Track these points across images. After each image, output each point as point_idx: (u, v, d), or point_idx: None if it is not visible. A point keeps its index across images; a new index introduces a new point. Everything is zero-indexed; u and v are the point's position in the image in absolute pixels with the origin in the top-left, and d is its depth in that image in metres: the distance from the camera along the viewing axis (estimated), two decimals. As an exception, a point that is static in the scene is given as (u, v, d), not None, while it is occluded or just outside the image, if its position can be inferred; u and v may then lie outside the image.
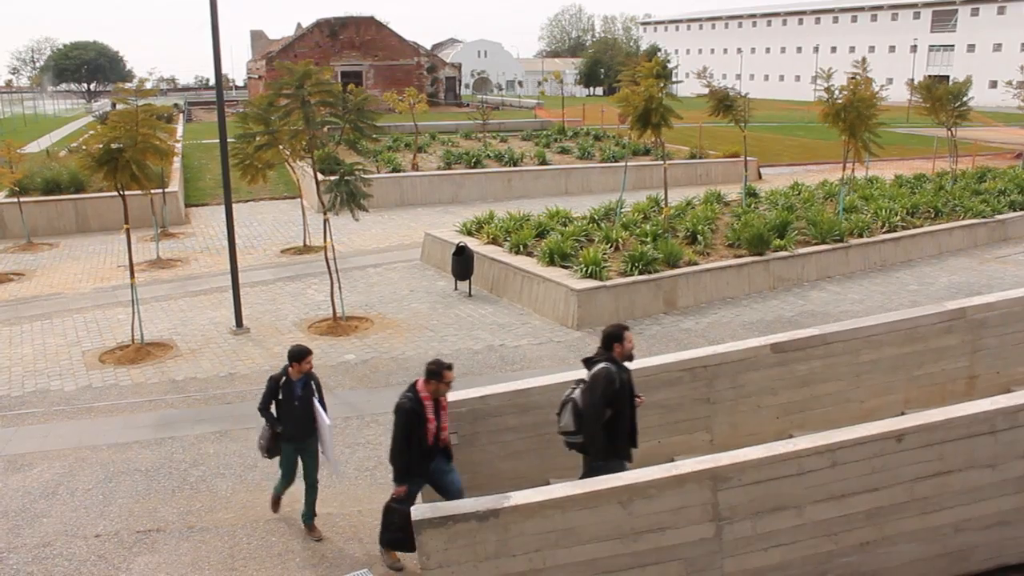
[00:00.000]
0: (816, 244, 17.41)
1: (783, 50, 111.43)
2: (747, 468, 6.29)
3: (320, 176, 17.29)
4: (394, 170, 28.43)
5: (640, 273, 14.98)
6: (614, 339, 7.01)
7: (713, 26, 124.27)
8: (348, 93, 14.93)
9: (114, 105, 16.72)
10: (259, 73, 66.47)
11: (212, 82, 25.37)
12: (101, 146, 13.02)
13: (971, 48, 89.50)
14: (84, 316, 15.52)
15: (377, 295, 16.55)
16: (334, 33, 63.03)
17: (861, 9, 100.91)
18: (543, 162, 30.51)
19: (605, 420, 6.86)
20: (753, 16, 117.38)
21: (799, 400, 8.94)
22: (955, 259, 18.82)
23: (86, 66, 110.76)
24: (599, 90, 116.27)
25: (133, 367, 12.76)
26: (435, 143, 35.76)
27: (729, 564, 6.36)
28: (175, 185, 25.90)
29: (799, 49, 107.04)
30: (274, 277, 18.21)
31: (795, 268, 16.79)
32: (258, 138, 15.12)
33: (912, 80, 32.49)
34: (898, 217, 19.32)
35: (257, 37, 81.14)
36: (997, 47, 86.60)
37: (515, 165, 29.92)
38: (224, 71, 25.77)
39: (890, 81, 62.10)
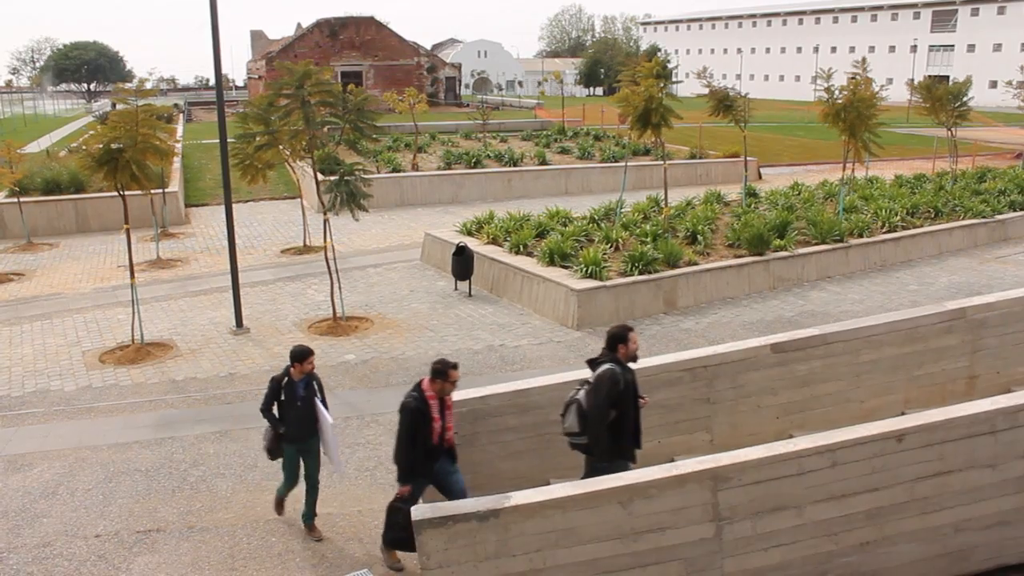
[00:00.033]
0: (816, 244, 17.41)
1: (783, 50, 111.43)
2: (747, 468, 6.29)
3: (320, 176, 17.30)
4: (394, 170, 28.43)
5: (640, 273, 14.98)
6: (618, 340, 7.01)
7: (713, 26, 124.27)
8: (348, 93, 14.94)
9: (114, 105, 16.72)
10: (259, 73, 66.48)
11: (212, 82, 25.39)
12: (101, 146, 13.02)
13: (971, 48, 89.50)
14: (84, 316, 15.52)
15: (377, 295, 16.55)
16: (334, 33, 63.03)
17: (861, 9, 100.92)
18: (543, 162, 30.52)
19: (609, 421, 6.86)
20: (753, 16, 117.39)
21: (799, 400, 8.94)
22: (955, 259, 18.82)
23: (86, 66, 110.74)
24: (599, 90, 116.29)
25: (133, 367, 12.77)
26: (435, 143, 35.77)
27: (729, 564, 6.36)
28: (175, 185, 25.91)
29: (799, 49, 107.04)
30: (274, 277, 18.21)
31: (795, 268, 16.79)
32: (258, 138, 15.12)
33: (912, 80, 32.49)
34: (898, 217, 19.32)
35: (257, 37, 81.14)
36: (997, 47, 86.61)
37: (515, 165, 29.93)
38: (224, 71, 25.79)
39: (890, 81, 62.17)
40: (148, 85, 21.73)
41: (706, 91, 21.79)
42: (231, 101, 62.42)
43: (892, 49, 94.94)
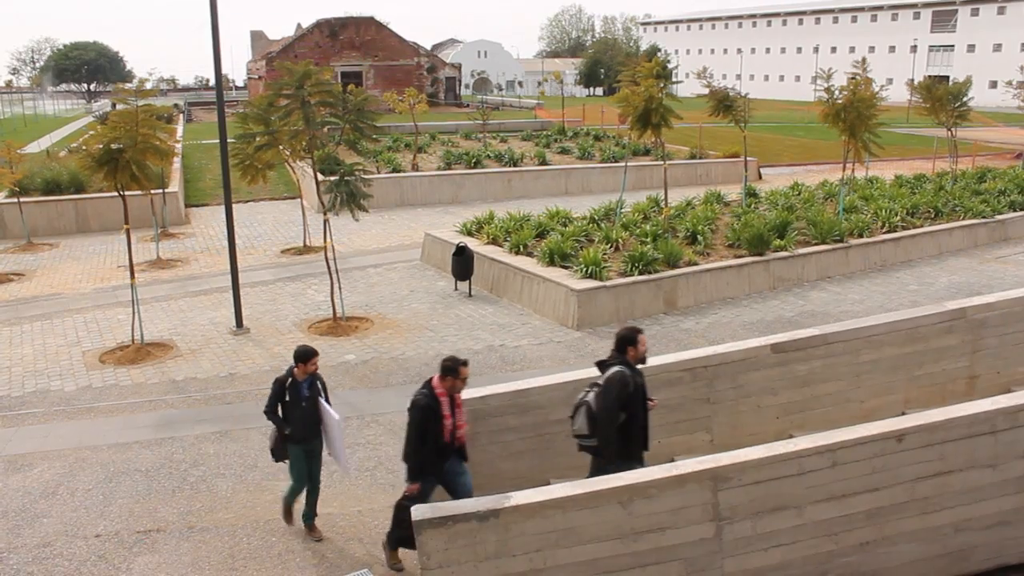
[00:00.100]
0: (816, 244, 17.41)
1: (783, 50, 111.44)
2: (747, 468, 6.29)
3: (320, 176, 17.30)
4: (394, 170, 28.43)
5: (640, 273, 14.98)
6: (628, 342, 7.00)
7: (713, 26, 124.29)
8: (348, 93, 14.94)
9: (114, 105, 16.72)
10: (259, 73, 66.46)
11: (212, 82, 25.38)
12: (101, 146, 13.03)
13: (971, 48, 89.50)
14: (84, 316, 15.52)
15: (377, 295, 16.55)
16: (334, 33, 63.02)
17: (861, 9, 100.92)
18: (543, 162, 30.52)
19: (619, 424, 6.86)
20: (753, 16, 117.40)
21: (799, 400, 8.94)
22: (955, 259, 18.82)
23: (86, 66, 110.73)
24: (599, 90, 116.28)
25: (133, 367, 12.77)
26: (435, 143, 35.77)
27: (729, 564, 6.36)
28: (175, 185, 25.92)
29: (799, 49, 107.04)
30: (274, 277, 18.21)
31: (795, 268, 16.79)
32: (258, 138, 15.12)
33: (912, 80, 32.48)
34: (898, 217, 19.32)
35: (257, 37, 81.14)
36: (997, 47, 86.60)
37: (515, 165, 29.93)
38: (224, 71, 25.78)
39: (890, 81, 62.21)
40: (148, 85, 21.78)
41: (706, 91, 21.79)
42: (231, 101, 62.32)
43: (892, 49, 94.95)
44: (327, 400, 7.95)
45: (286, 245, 21.36)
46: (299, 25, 71.99)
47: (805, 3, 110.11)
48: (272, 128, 14.84)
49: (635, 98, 18.35)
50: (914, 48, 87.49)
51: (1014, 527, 7.01)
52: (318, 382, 7.94)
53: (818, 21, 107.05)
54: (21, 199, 22.34)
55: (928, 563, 6.87)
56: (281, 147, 15.49)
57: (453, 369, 7.07)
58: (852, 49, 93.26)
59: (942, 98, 25.40)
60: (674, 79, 29.69)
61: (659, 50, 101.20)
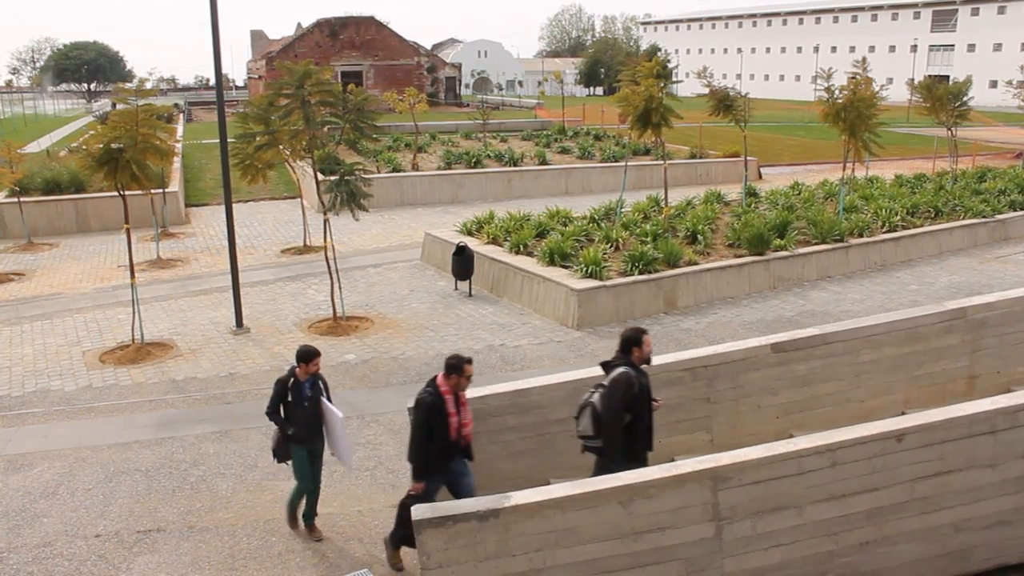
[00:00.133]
0: (816, 244, 17.41)
1: (783, 50, 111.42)
2: (747, 468, 6.29)
3: (320, 176, 17.29)
4: (394, 170, 28.43)
5: (640, 273, 14.98)
6: (632, 343, 7.01)
7: (713, 26, 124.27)
8: (348, 93, 14.94)
9: (114, 105, 16.73)
10: (259, 73, 66.49)
11: (212, 82, 25.38)
12: (101, 146, 13.02)
13: (971, 48, 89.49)
14: (84, 316, 15.52)
15: (377, 295, 16.56)
16: (334, 33, 63.03)
17: (861, 9, 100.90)
18: (543, 162, 30.52)
19: (624, 425, 6.86)
20: (753, 16, 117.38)
21: (799, 400, 8.94)
22: (955, 259, 18.83)
23: (86, 66, 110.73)
24: (599, 90, 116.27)
25: (133, 367, 12.77)
26: (435, 143, 35.77)
27: (729, 564, 6.36)
28: (175, 185, 25.92)
29: (799, 49, 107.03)
30: (274, 277, 18.21)
31: (795, 268, 16.79)
32: (258, 138, 15.12)
33: (912, 80, 32.49)
34: (898, 217, 19.32)
35: (257, 37, 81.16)
36: (997, 47, 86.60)
37: (515, 165, 29.93)
38: (224, 71, 25.79)
39: (890, 81, 62.02)
40: (148, 85, 21.76)
41: (706, 91, 21.79)
42: (231, 101, 62.39)
43: (892, 49, 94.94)
44: (329, 399, 7.94)
45: (286, 245, 21.36)
46: (299, 25, 72.04)
47: (805, 3, 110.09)
48: (272, 128, 14.84)
49: (635, 98, 18.35)
50: (914, 48, 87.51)
51: (1014, 527, 7.01)
52: (320, 382, 7.93)
53: (818, 21, 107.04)
54: (21, 199, 22.34)
55: (928, 563, 6.87)
56: (281, 147, 15.49)
57: (457, 367, 7.06)
58: (852, 49, 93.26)
59: (942, 98, 25.40)
60: (674, 79, 29.66)
61: (659, 50, 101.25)
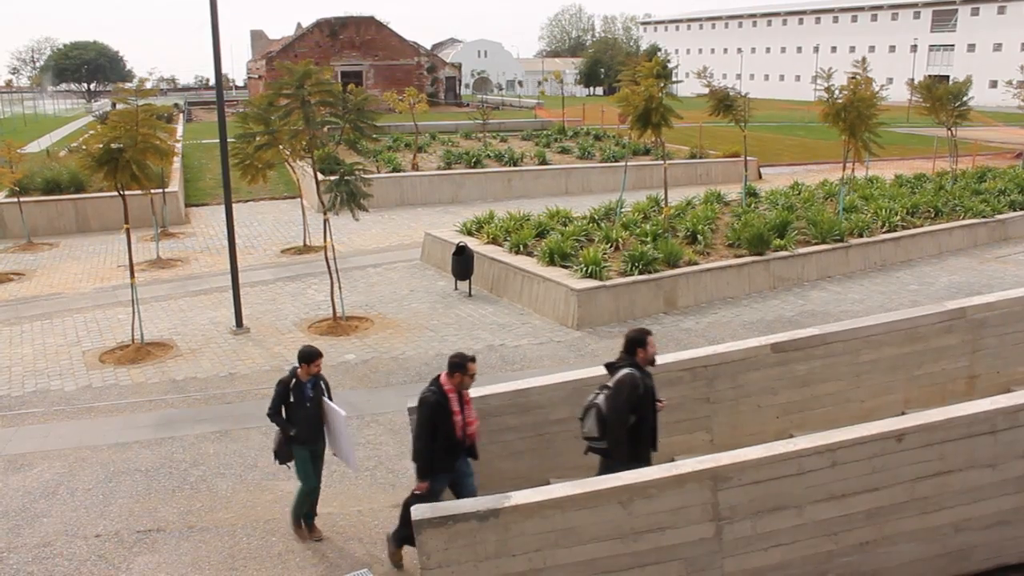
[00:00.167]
0: (816, 244, 17.41)
1: (783, 50, 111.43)
2: (747, 468, 6.29)
3: (320, 176, 17.30)
4: (394, 170, 28.44)
5: (640, 273, 14.98)
6: (637, 344, 7.00)
7: (713, 26, 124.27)
8: (348, 93, 14.94)
9: (114, 105, 16.72)
10: (259, 73, 66.49)
11: (212, 82, 25.39)
12: (101, 146, 13.02)
13: (971, 48, 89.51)
14: (84, 316, 15.52)
15: (377, 295, 16.56)
16: (334, 33, 63.03)
17: (861, 9, 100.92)
18: (543, 162, 30.52)
19: (629, 426, 6.86)
20: (753, 16, 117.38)
21: (799, 400, 8.94)
22: (955, 259, 18.83)
23: (86, 66, 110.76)
24: (599, 90, 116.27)
25: (133, 367, 12.77)
26: (435, 143, 35.77)
27: (729, 564, 6.36)
28: (175, 185, 25.91)
29: (799, 49, 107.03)
30: (274, 277, 18.21)
31: (795, 268, 16.80)
32: (258, 138, 15.12)
33: (912, 80, 32.49)
34: (898, 217, 19.32)
35: (257, 37, 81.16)
36: (997, 47, 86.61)
37: (515, 165, 29.93)
38: (224, 71, 25.81)
39: (890, 81, 62.05)
40: (148, 85, 21.76)
41: (706, 91, 21.80)
42: (231, 101, 62.39)
43: (892, 49, 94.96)
44: (331, 399, 7.93)
45: (286, 245, 21.36)
46: (299, 25, 72.03)
47: (805, 3, 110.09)
48: (272, 128, 14.84)
49: (635, 98, 18.35)
50: (914, 48, 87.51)
51: (1014, 527, 7.01)
52: (322, 383, 7.93)
53: (818, 21, 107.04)
54: (21, 199, 22.34)
55: (928, 563, 6.87)
56: (281, 147, 15.49)
57: (461, 365, 7.05)
58: (852, 48, 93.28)
59: (942, 98, 25.41)
60: (674, 79, 29.71)
61: (659, 50, 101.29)
